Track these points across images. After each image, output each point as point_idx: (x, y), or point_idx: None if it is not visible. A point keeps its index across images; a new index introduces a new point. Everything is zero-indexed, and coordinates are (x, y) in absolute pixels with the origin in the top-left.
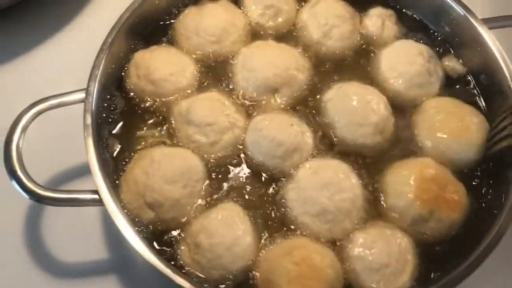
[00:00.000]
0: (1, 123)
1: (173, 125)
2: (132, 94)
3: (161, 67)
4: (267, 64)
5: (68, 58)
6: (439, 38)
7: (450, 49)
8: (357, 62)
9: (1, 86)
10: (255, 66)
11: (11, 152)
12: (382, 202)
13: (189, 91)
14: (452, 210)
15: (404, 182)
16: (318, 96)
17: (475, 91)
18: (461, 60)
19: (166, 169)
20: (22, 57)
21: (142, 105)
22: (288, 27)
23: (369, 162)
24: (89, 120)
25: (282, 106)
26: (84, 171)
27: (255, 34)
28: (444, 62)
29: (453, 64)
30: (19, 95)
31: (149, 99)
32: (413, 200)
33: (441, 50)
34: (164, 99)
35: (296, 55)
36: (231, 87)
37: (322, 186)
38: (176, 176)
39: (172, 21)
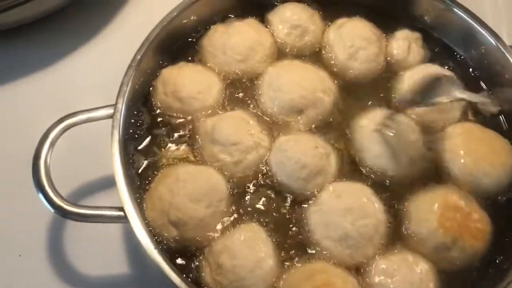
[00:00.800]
0: (28, 136)
1: (199, 143)
2: (158, 110)
3: (189, 85)
4: (293, 85)
5: (95, 72)
6: (467, 64)
7: (482, 82)
8: (383, 85)
9: (29, 98)
10: (281, 86)
11: (39, 167)
12: (404, 228)
13: (215, 110)
14: (476, 239)
15: (428, 209)
16: (343, 119)
17: (500, 117)
18: (492, 95)
19: (191, 187)
20: (50, 70)
21: (168, 122)
22: (314, 47)
23: (392, 187)
24: (116, 137)
25: (307, 127)
26: (108, 184)
27: (281, 53)
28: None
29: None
30: (46, 107)
31: (175, 115)
32: (436, 227)
33: (472, 82)
34: (190, 117)
35: (323, 77)
36: (256, 106)
37: (345, 211)
38: (201, 195)
39: (199, 38)
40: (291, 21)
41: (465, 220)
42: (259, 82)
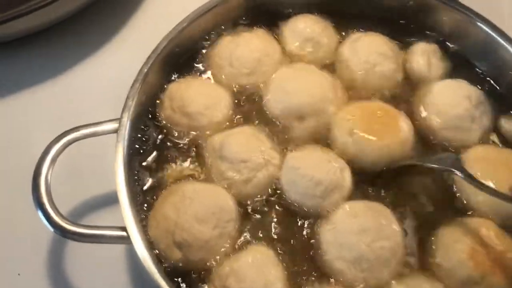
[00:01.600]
0: (28, 150)
1: (206, 160)
2: (164, 126)
3: (197, 100)
4: (301, 89)
5: (99, 84)
6: (487, 78)
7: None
8: (400, 102)
9: (30, 111)
10: (289, 87)
11: (39, 185)
12: (429, 256)
13: (223, 126)
14: (508, 278)
15: (458, 239)
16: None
17: None
18: None
19: (197, 206)
20: (52, 82)
21: (175, 137)
22: (327, 62)
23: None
24: (121, 153)
25: (305, 136)
26: (111, 201)
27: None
28: (500, 121)
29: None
30: (47, 121)
31: (182, 131)
32: (465, 260)
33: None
34: (198, 132)
35: (335, 86)
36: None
37: (361, 231)
38: (208, 215)
39: (207, 50)
40: (304, 34)
41: (497, 256)
42: (272, 77)
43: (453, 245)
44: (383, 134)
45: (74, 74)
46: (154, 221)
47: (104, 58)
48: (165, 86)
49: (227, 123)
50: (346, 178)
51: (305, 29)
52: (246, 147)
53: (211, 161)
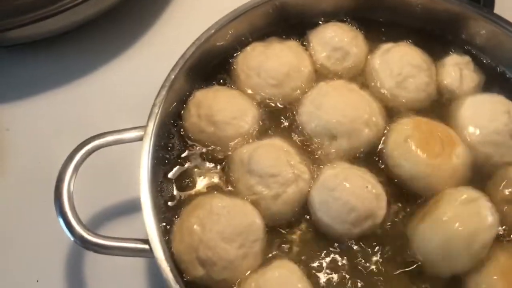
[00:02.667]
0: (50, 155)
1: (233, 173)
2: (189, 134)
3: (224, 109)
4: (335, 107)
5: (123, 89)
6: None
7: None
8: (431, 117)
9: (52, 115)
10: (323, 104)
11: (61, 193)
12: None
13: (250, 137)
14: None
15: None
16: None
17: None
18: None
19: (224, 224)
20: (75, 86)
21: (200, 147)
22: (356, 72)
23: None
24: (146, 163)
25: (337, 156)
26: (131, 210)
27: (320, 76)
28: None
29: None
30: (71, 125)
31: (207, 141)
32: None
33: None
34: (223, 143)
35: (373, 108)
36: (295, 128)
37: None
38: (234, 235)
39: (235, 58)
40: (332, 43)
41: None
42: (307, 93)
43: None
44: (437, 154)
45: (98, 77)
46: (178, 234)
47: (128, 63)
48: (192, 94)
49: (255, 135)
50: (382, 206)
51: (333, 38)
52: (275, 160)
53: (238, 174)
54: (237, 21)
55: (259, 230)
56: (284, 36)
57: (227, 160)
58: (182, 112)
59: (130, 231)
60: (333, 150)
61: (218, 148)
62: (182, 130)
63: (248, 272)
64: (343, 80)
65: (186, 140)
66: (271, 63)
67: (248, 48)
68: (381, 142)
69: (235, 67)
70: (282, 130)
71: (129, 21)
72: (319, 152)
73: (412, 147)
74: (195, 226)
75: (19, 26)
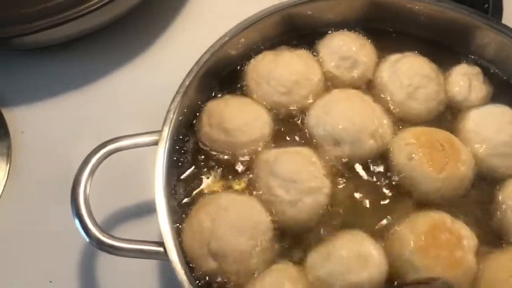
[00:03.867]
0: (66, 158)
1: (255, 172)
2: (202, 143)
3: (236, 117)
4: (343, 113)
5: (138, 94)
6: None
7: None
8: (436, 125)
9: (68, 117)
10: (332, 109)
11: (78, 195)
12: None
13: (261, 143)
14: None
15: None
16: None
17: None
18: None
19: (234, 217)
20: (90, 88)
21: (213, 153)
22: (364, 82)
23: None
24: (160, 168)
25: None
26: (145, 211)
27: (331, 84)
28: None
29: None
30: (87, 127)
31: (220, 148)
32: None
33: None
34: (237, 149)
35: (379, 117)
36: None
37: None
38: (245, 227)
39: (247, 65)
40: (340, 52)
41: None
42: (320, 98)
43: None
44: (443, 166)
45: (112, 81)
46: (189, 230)
47: (142, 67)
48: (205, 100)
49: (267, 140)
50: None
51: (342, 47)
52: (300, 167)
53: (261, 174)
54: (250, 29)
55: (267, 223)
56: (294, 45)
57: (240, 166)
58: (194, 121)
59: (143, 232)
60: (334, 156)
61: (230, 154)
62: (196, 137)
63: (259, 269)
64: (358, 91)
65: (200, 144)
66: (280, 71)
67: (259, 56)
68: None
69: (245, 75)
70: (293, 136)
71: (143, 27)
72: (326, 157)
73: (417, 166)
74: (205, 221)
75: (36, 31)
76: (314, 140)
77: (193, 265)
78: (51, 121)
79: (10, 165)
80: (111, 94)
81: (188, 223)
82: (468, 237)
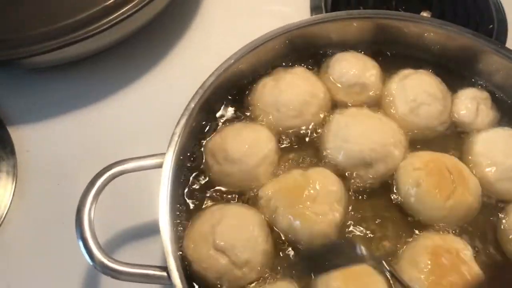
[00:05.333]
0: (71, 178)
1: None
2: (218, 182)
3: (238, 143)
4: (363, 136)
5: (143, 115)
6: None
7: None
8: (441, 146)
9: (72, 136)
10: (349, 136)
11: (82, 219)
12: None
13: (271, 160)
14: None
15: None
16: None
17: None
18: None
19: (233, 220)
20: (96, 108)
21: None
22: (372, 102)
23: None
24: (165, 190)
25: (376, 181)
26: (149, 234)
27: (338, 103)
28: None
29: None
30: (92, 147)
31: (237, 180)
32: None
33: None
34: (250, 176)
35: (393, 128)
36: (317, 160)
37: None
38: (245, 226)
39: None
40: (348, 78)
41: None
42: (324, 130)
43: None
44: (450, 194)
45: (118, 102)
46: (190, 242)
47: (147, 88)
48: (211, 122)
49: (275, 165)
50: None
51: (348, 70)
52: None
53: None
54: (255, 52)
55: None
56: (300, 65)
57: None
58: (202, 167)
59: (148, 254)
60: (371, 176)
61: (240, 181)
62: (201, 156)
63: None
64: (356, 108)
65: (205, 167)
66: (287, 95)
67: (259, 84)
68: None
69: (251, 105)
70: (306, 157)
71: (149, 47)
72: (356, 180)
73: (425, 194)
74: (204, 227)
75: (44, 52)
76: (338, 165)
77: (206, 266)
78: (57, 140)
79: (16, 184)
80: (117, 114)
81: (188, 237)
82: (463, 248)
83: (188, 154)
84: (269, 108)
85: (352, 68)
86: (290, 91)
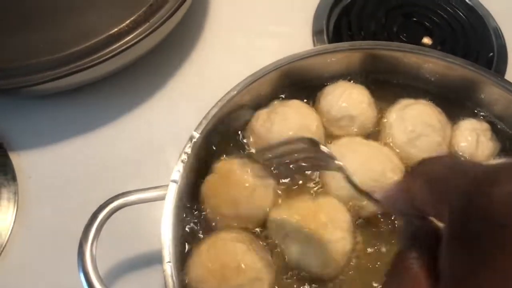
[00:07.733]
0: (73, 206)
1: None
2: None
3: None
4: (361, 167)
5: (146, 142)
6: None
7: None
8: None
9: (70, 164)
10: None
11: (84, 252)
12: None
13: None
14: None
15: None
16: None
17: None
18: None
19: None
20: (98, 135)
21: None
22: (364, 132)
23: None
24: (167, 223)
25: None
26: (150, 264)
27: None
28: None
29: None
30: (94, 176)
31: (241, 222)
32: None
33: None
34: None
35: (388, 154)
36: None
37: None
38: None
39: (247, 126)
40: (336, 111)
41: None
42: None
43: None
44: None
45: (119, 128)
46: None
47: (152, 114)
48: (212, 158)
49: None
50: None
51: (334, 103)
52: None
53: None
54: (257, 83)
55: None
56: (296, 97)
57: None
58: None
59: (150, 285)
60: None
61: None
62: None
63: None
64: (348, 137)
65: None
66: (277, 128)
67: (254, 117)
68: None
69: (245, 140)
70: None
71: (152, 74)
72: (360, 210)
73: None
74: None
75: (47, 81)
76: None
77: None
78: (59, 167)
79: (17, 211)
80: (120, 141)
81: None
82: None
83: (191, 186)
84: (261, 141)
85: (338, 100)
86: (281, 124)
